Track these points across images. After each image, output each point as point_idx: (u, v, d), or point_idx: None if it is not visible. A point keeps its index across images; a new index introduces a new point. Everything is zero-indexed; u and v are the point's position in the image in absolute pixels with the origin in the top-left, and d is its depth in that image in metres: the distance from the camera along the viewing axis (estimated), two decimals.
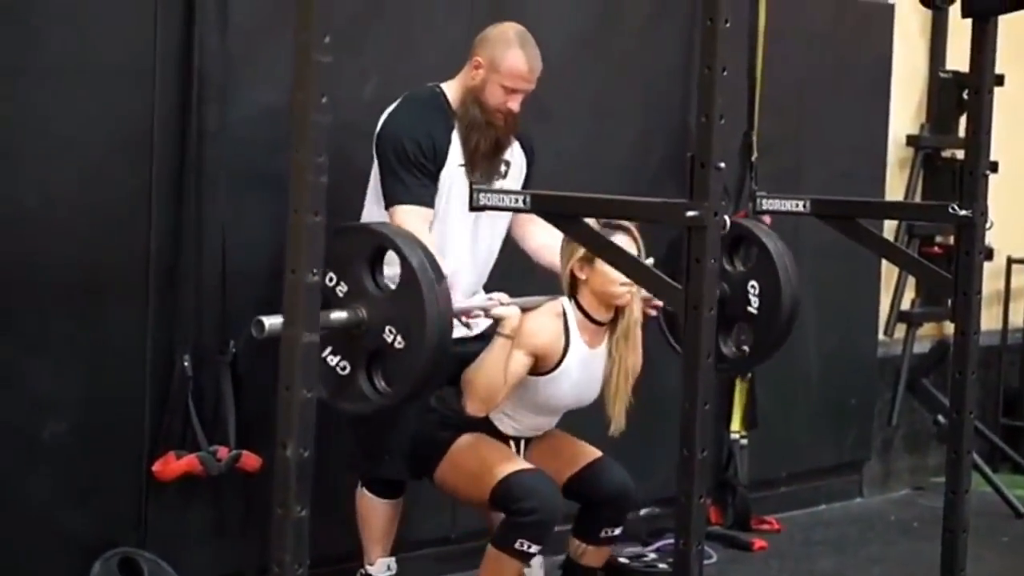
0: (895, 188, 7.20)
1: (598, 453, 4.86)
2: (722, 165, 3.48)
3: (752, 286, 4.74)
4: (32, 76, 4.55)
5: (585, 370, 4.72)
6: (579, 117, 5.83)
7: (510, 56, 4.79)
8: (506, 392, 4.60)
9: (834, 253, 6.45)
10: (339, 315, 3.52)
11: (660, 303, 4.83)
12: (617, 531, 4.84)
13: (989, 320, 7.60)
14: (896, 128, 7.20)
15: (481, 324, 4.79)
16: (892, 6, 7.07)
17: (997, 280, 7.72)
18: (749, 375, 6.42)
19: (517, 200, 4.07)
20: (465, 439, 4.71)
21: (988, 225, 4.45)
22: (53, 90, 4.59)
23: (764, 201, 4.82)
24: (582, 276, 4.68)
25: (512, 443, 4.78)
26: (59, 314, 4.65)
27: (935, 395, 7.15)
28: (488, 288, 4.92)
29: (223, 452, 4.84)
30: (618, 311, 4.72)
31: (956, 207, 4.43)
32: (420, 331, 3.51)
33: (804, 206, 4.75)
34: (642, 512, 6.14)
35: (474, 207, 4.11)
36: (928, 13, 7.28)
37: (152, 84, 4.77)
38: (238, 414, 4.89)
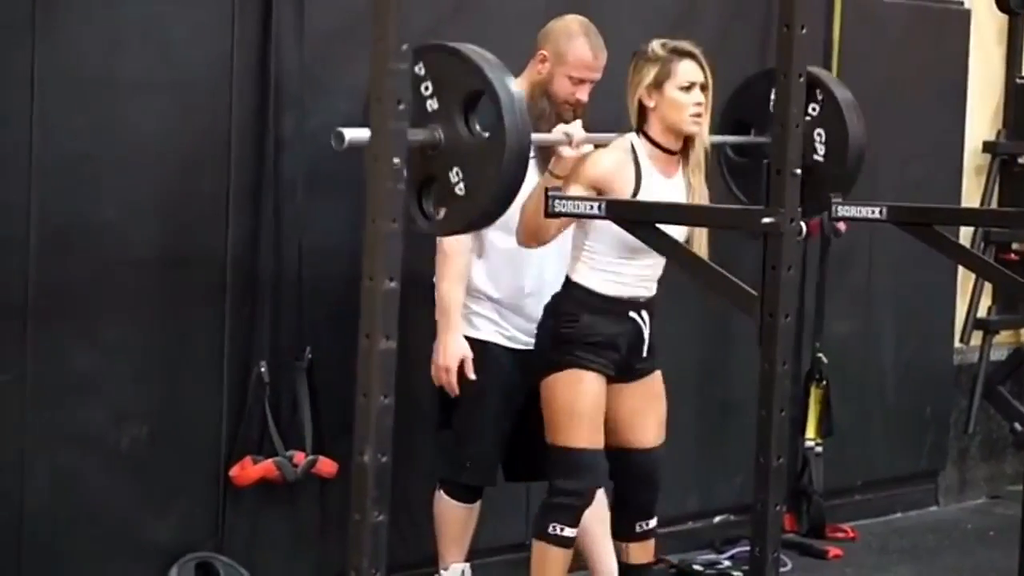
0: (971, 195, 7.14)
1: (656, 443, 4.74)
2: (798, 171, 3.47)
3: (819, 134, 4.70)
4: (112, 88, 4.60)
5: (668, 198, 4.57)
6: None
7: (575, 47, 4.81)
8: (559, 227, 4.48)
9: (909, 260, 6.42)
10: (416, 133, 3.27)
11: None
12: (652, 522, 4.78)
13: None
14: (972, 134, 7.14)
15: None
16: (968, 12, 7.02)
17: None
18: (824, 383, 6.40)
19: (592, 207, 4.07)
20: (569, 379, 4.57)
21: None
22: (132, 101, 4.64)
23: (840, 208, 4.80)
24: (650, 104, 4.61)
25: (633, 313, 4.63)
26: (138, 322, 4.70)
27: (1012, 403, 7.08)
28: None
29: (299, 457, 4.87)
30: (687, 140, 4.62)
31: None
32: (485, 193, 3.31)
33: (881, 213, 4.72)
34: (716, 520, 6.14)
35: (549, 214, 4.11)
36: (1004, 19, 7.24)
37: (229, 94, 4.81)
38: (314, 420, 4.92)
